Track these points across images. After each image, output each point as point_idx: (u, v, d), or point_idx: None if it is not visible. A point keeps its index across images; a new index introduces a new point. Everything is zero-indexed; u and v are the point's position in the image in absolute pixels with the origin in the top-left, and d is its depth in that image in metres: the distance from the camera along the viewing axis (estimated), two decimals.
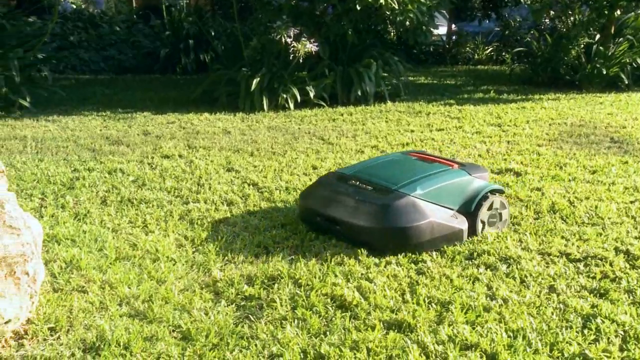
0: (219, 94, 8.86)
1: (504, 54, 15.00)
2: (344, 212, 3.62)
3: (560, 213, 4.23)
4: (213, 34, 12.40)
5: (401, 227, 3.47)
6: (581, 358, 2.53)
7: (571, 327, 2.75)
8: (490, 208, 3.81)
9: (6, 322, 2.57)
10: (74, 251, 3.50)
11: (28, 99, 8.11)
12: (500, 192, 3.93)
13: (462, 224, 3.65)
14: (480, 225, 3.77)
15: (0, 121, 7.32)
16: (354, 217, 3.56)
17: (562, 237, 3.80)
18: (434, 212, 3.56)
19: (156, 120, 7.68)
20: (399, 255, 3.52)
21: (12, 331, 2.63)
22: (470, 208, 3.75)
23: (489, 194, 3.81)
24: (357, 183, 3.78)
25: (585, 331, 2.72)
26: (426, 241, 3.50)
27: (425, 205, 3.56)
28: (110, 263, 3.37)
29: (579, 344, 2.62)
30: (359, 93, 8.92)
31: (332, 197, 3.74)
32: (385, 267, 3.38)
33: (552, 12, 12.02)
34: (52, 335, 2.65)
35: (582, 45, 10.70)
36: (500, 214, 3.88)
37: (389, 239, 3.51)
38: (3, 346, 2.56)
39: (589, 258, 3.48)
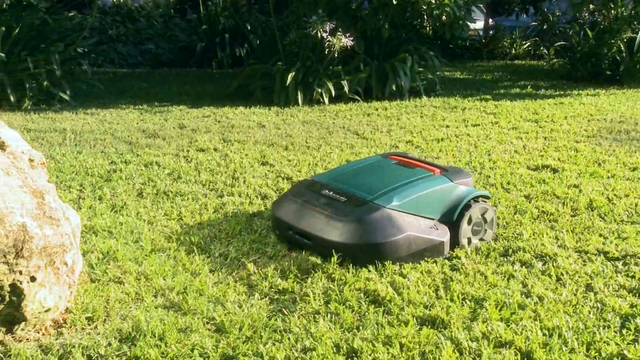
0: (254, 88, 8.90)
1: (541, 48, 14.75)
2: (316, 226, 3.36)
3: (598, 210, 4.16)
4: (249, 28, 12.45)
5: (375, 243, 3.24)
6: (619, 358, 2.48)
7: (609, 327, 2.70)
8: (474, 216, 3.57)
9: (46, 311, 2.62)
10: (111, 242, 3.56)
11: (68, 92, 8.25)
12: (486, 198, 3.71)
13: (443, 235, 3.42)
14: (463, 235, 3.52)
15: (42, 114, 7.47)
16: (326, 232, 3.31)
17: (600, 235, 3.73)
18: (412, 225, 3.33)
19: (192, 113, 7.75)
20: None
21: (51, 320, 2.69)
22: (452, 217, 3.50)
23: (472, 201, 3.56)
24: (331, 193, 3.54)
25: (624, 331, 2.67)
26: (403, 257, 3.28)
27: (402, 218, 3.32)
28: (146, 255, 3.42)
29: (617, 344, 2.57)
30: (394, 88, 8.88)
31: (303, 209, 3.48)
32: (419, 262, 3.36)
33: (592, 6, 11.78)
34: (89, 325, 2.70)
35: (625, 40, 10.46)
36: (486, 222, 3.64)
37: (363, 256, 3.27)
38: (43, 334, 2.62)
39: (628, 257, 3.42)
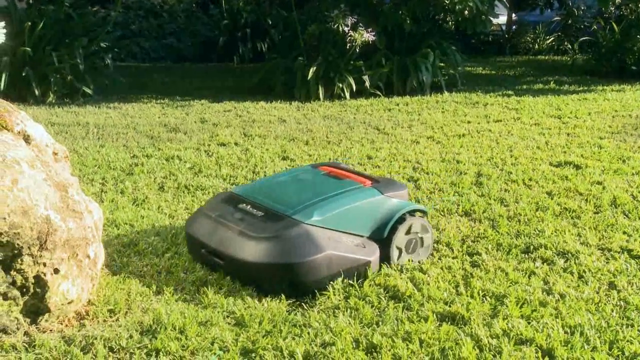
0: (275, 82, 8.91)
1: (565, 43, 14.58)
2: (228, 244, 3.02)
3: (622, 208, 4.11)
4: (270, 22, 12.46)
5: (290, 263, 2.89)
6: None
7: (632, 326, 2.67)
8: (408, 232, 3.24)
9: (69, 303, 2.66)
10: (132, 236, 3.59)
11: (91, 87, 8.33)
12: (422, 212, 3.38)
13: (370, 254, 3.10)
14: (395, 253, 3.21)
15: (65, 108, 7.55)
16: (238, 250, 2.97)
17: (624, 233, 3.69)
18: (334, 243, 2.99)
19: (213, 108, 7.78)
20: (453, 247, 3.48)
21: (74, 311, 2.72)
22: (382, 234, 3.18)
23: (407, 215, 3.24)
24: (248, 207, 3.17)
25: None
26: (323, 278, 2.94)
27: (323, 235, 2.97)
28: (167, 248, 3.44)
29: None
30: (415, 83, 8.84)
31: (217, 225, 3.13)
32: (439, 259, 3.35)
33: (618, 0, 11.62)
34: (111, 317, 2.73)
35: None
36: (422, 239, 3.31)
37: (277, 277, 2.94)
38: (66, 325, 2.66)
39: None
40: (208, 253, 3.13)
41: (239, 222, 3.07)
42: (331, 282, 2.97)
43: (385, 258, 3.19)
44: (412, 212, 3.28)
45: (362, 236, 3.16)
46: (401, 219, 3.21)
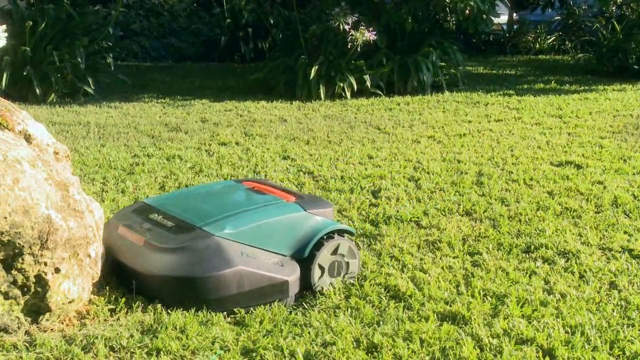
0: (276, 82, 8.91)
1: (567, 43, 14.57)
2: (131, 256, 2.86)
3: (623, 207, 4.11)
4: (271, 22, 12.47)
5: (194, 277, 2.71)
6: None
7: (633, 325, 2.67)
8: (333, 253, 3.01)
9: (70, 302, 2.66)
10: None
11: (92, 86, 8.33)
12: (349, 233, 3.13)
13: (288, 273, 2.87)
14: (317, 274, 2.97)
15: (66, 107, 7.56)
16: (141, 262, 2.81)
17: (625, 232, 3.69)
18: (248, 258, 2.80)
19: (214, 107, 7.78)
20: (454, 246, 3.49)
21: (75, 311, 2.73)
22: (303, 253, 2.95)
23: (333, 235, 3.02)
24: (159, 217, 2.98)
25: None
26: (231, 295, 2.75)
27: (234, 249, 2.78)
28: None
29: None
30: (416, 83, 8.83)
31: (122, 235, 2.96)
32: (440, 258, 3.35)
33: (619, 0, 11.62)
34: (112, 316, 2.73)
35: None
36: (347, 263, 3.08)
37: (179, 292, 2.76)
38: (67, 325, 2.66)
39: None
40: (115, 265, 2.96)
41: (146, 232, 2.88)
42: (242, 305, 2.78)
43: (305, 279, 2.96)
44: (339, 233, 3.06)
45: (281, 254, 2.94)
46: (322, 239, 2.98)
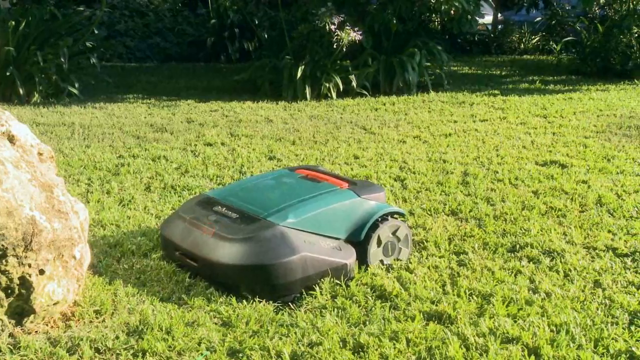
0: (262, 82, 8.90)
1: (551, 43, 14.69)
2: (202, 246, 2.99)
3: (607, 206, 4.14)
4: (257, 22, 12.45)
5: (264, 265, 2.86)
6: (627, 355, 2.47)
7: (617, 324, 2.69)
8: (385, 235, 3.22)
9: (55, 304, 2.64)
10: (118, 236, 3.57)
11: (77, 87, 8.28)
12: (399, 215, 3.35)
13: (347, 256, 3.07)
14: (372, 256, 3.19)
15: (50, 108, 7.50)
16: (211, 252, 2.94)
17: (609, 231, 3.72)
18: (310, 244, 2.97)
19: (199, 108, 7.76)
20: (440, 246, 3.50)
21: (60, 312, 2.70)
22: (359, 236, 3.15)
23: (384, 218, 3.22)
24: (223, 209, 3.15)
25: (632, 328, 2.66)
26: (299, 279, 2.91)
27: (297, 236, 2.95)
28: (153, 248, 3.42)
29: (625, 340, 2.56)
30: (402, 83, 8.86)
31: (191, 227, 3.10)
32: (426, 258, 3.36)
33: (602, 0, 11.71)
34: (97, 318, 2.71)
35: (636, 34, 10.40)
36: (399, 240, 3.29)
37: (250, 279, 2.90)
38: (52, 326, 2.64)
39: (637, 253, 3.40)
40: (182, 254, 3.10)
41: (214, 224, 3.04)
42: (306, 286, 2.94)
43: (362, 261, 3.16)
44: (388, 215, 3.24)
45: (338, 239, 3.12)
46: (376, 223, 3.18)
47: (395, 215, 3.31)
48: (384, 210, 3.24)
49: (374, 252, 3.19)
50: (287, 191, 3.34)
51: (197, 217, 3.15)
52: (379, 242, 3.20)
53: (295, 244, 2.92)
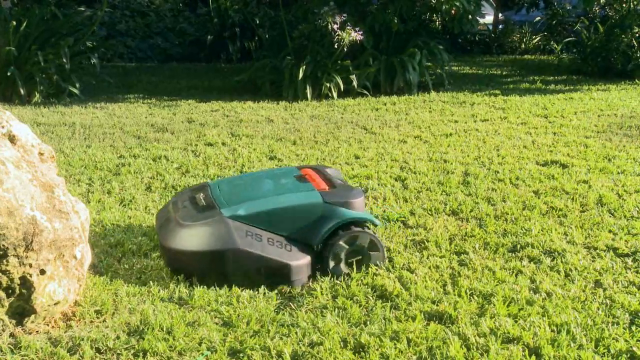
0: (263, 82, 8.90)
1: (552, 43, 14.68)
2: (163, 231, 3.14)
3: (608, 206, 4.14)
4: (258, 22, 12.45)
5: (192, 251, 2.98)
6: (628, 355, 2.47)
7: (618, 323, 2.69)
8: (349, 244, 3.10)
9: (55, 304, 2.64)
10: (119, 236, 3.57)
11: (77, 86, 8.28)
12: (367, 223, 3.18)
13: (293, 258, 3.01)
14: (332, 263, 3.09)
15: (51, 108, 7.50)
16: (165, 237, 3.09)
17: (610, 231, 3.72)
18: (252, 240, 2.98)
19: (200, 108, 7.76)
20: (441, 246, 3.50)
21: (61, 312, 2.71)
22: (315, 241, 3.08)
23: (350, 226, 3.10)
24: (202, 197, 3.24)
25: (633, 328, 2.66)
26: (231, 270, 2.96)
27: (239, 230, 2.99)
28: (154, 248, 3.43)
29: (626, 340, 2.56)
30: (402, 83, 8.86)
31: (166, 215, 3.24)
32: (427, 258, 3.36)
33: (602, 0, 11.71)
34: (98, 318, 2.72)
35: (637, 34, 10.39)
36: (369, 254, 3.15)
37: (181, 262, 3.03)
38: (53, 327, 2.64)
39: (638, 253, 3.40)
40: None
41: (180, 210, 3.17)
42: (249, 278, 2.98)
43: (323, 268, 3.11)
44: (352, 224, 3.12)
45: (292, 239, 3.09)
46: (338, 230, 3.08)
47: (367, 224, 3.18)
48: (344, 218, 3.10)
49: (333, 259, 3.10)
50: (264, 187, 3.36)
51: (177, 203, 3.28)
52: (337, 251, 3.09)
53: (230, 236, 2.96)
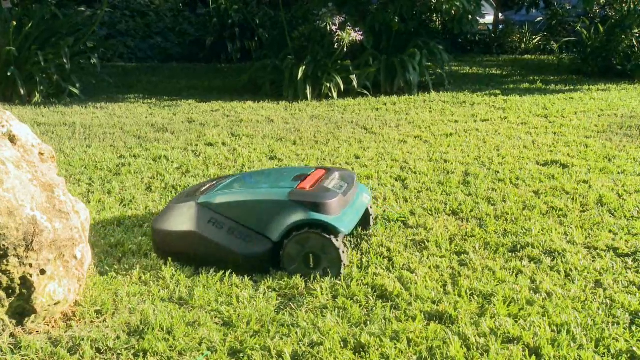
0: (263, 82, 8.90)
1: (552, 43, 14.69)
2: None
3: (608, 206, 4.14)
4: (258, 22, 12.46)
5: (157, 230, 3.26)
6: (628, 355, 2.47)
7: (618, 323, 2.69)
8: (301, 245, 3.08)
9: (56, 304, 2.64)
10: (119, 236, 3.57)
11: (78, 86, 8.28)
12: (331, 228, 3.07)
13: (249, 249, 3.10)
14: (285, 260, 3.10)
15: (51, 108, 7.50)
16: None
17: (610, 231, 3.71)
18: (210, 227, 3.13)
19: (200, 108, 7.76)
20: (441, 246, 3.50)
21: (61, 312, 2.71)
22: (274, 237, 3.11)
23: (302, 228, 3.07)
24: (205, 187, 3.44)
25: (633, 328, 2.65)
26: (186, 252, 3.18)
27: (203, 216, 3.16)
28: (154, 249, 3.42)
29: (626, 340, 2.56)
30: (403, 83, 8.86)
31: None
32: (427, 258, 3.36)
33: (602, 0, 11.71)
34: (98, 318, 2.72)
35: (637, 34, 10.39)
36: (318, 257, 3.08)
37: (154, 241, 3.32)
38: (53, 327, 2.64)
39: (638, 253, 3.40)
40: None
41: (180, 196, 3.50)
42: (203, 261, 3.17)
43: (280, 265, 3.14)
44: (309, 226, 3.08)
45: (255, 231, 3.14)
46: (292, 230, 3.08)
47: (319, 229, 3.08)
48: (300, 218, 3.07)
49: (287, 257, 3.11)
50: (260, 181, 3.51)
51: (188, 191, 3.55)
52: (289, 250, 3.10)
53: (191, 221, 3.18)
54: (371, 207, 3.68)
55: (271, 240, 3.12)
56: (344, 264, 3.13)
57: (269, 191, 3.26)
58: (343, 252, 3.10)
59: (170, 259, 3.23)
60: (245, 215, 3.16)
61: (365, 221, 3.67)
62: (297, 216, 3.09)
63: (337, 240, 3.08)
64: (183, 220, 3.20)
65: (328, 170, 3.55)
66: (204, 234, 3.14)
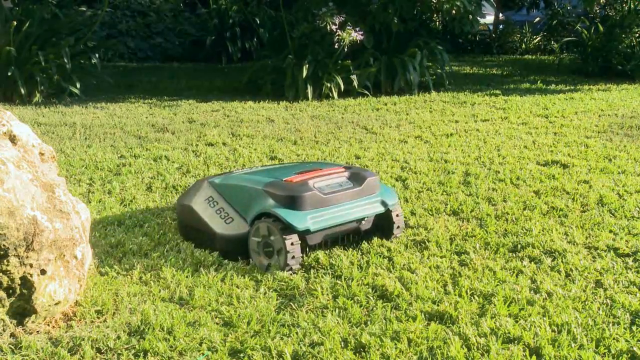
0: (264, 82, 8.90)
1: (553, 43, 14.68)
2: None
3: (608, 206, 4.14)
4: (258, 22, 12.46)
5: (178, 203, 3.64)
6: (629, 355, 2.47)
7: (619, 323, 2.69)
8: (259, 233, 3.21)
9: (56, 304, 2.64)
10: (120, 236, 3.57)
11: (78, 86, 8.28)
12: (282, 222, 3.11)
13: (225, 230, 3.30)
14: (250, 247, 3.24)
15: (52, 108, 7.50)
16: None
17: (610, 231, 3.71)
18: (206, 204, 3.43)
19: (201, 108, 7.76)
20: (442, 246, 3.50)
21: (61, 312, 2.71)
22: (248, 221, 3.28)
23: (263, 217, 3.20)
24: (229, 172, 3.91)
25: (634, 328, 2.65)
26: (185, 223, 3.56)
27: (204, 193, 3.49)
28: (154, 248, 3.43)
29: (626, 340, 2.56)
30: (403, 83, 8.86)
31: None
32: (427, 258, 3.36)
33: (602, 0, 11.71)
34: (98, 318, 2.72)
35: (637, 34, 10.39)
36: (272, 249, 3.17)
37: (177, 214, 3.70)
38: (53, 327, 2.64)
39: (639, 253, 3.40)
40: None
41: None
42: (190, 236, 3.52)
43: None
44: (266, 216, 3.19)
45: (240, 215, 3.34)
46: (257, 217, 3.23)
47: (273, 220, 3.15)
48: (262, 208, 3.20)
49: (251, 245, 3.24)
50: (269, 173, 3.61)
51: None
52: (252, 237, 3.23)
53: (194, 196, 3.50)
54: (398, 216, 3.56)
55: (248, 226, 3.28)
56: (289, 263, 3.12)
57: (255, 179, 3.45)
58: (290, 249, 3.09)
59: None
60: (235, 199, 3.40)
61: (386, 228, 3.58)
62: (261, 205, 3.24)
63: (291, 235, 3.10)
64: (191, 195, 3.53)
65: (347, 169, 3.56)
66: (195, 208, 3.43)
